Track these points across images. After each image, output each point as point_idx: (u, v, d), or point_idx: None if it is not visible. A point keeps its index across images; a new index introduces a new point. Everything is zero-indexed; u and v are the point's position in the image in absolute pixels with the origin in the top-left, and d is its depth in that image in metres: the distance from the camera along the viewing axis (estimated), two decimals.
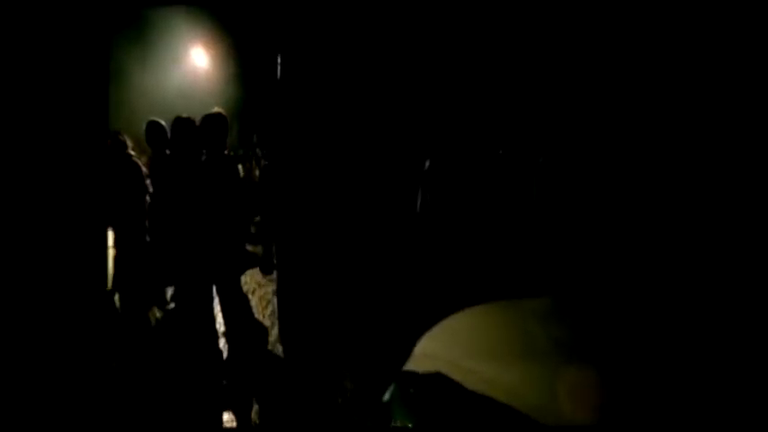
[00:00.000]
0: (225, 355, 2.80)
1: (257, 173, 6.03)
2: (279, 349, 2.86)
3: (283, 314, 2.43)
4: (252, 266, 4.05)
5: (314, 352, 2.25)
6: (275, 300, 3.94)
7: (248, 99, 6.59)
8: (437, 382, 0.29)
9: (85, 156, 2.04)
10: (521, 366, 0.26)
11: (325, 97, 1.98)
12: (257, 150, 6.28)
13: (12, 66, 1.94)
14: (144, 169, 3.63)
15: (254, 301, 3.59)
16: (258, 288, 4.24)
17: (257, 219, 5.20)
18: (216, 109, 2.70)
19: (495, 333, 0.31)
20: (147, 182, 3.56)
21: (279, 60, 1.92)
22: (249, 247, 3.66)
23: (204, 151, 2.73)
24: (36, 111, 1.99)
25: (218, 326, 2.89)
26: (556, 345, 0.27)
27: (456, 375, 0.28)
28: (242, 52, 7.45)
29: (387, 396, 0.34)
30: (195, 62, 7.71)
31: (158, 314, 3.52)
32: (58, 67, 2.00)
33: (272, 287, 4.25)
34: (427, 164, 2.38)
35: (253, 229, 4.84)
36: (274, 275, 4.38)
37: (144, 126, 3.40)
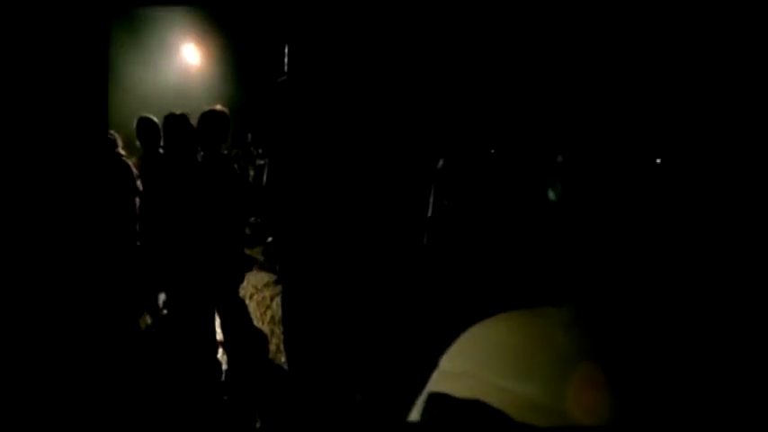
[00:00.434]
0: (224, 366, 2.65)
1: (252, 173, 5.88)
2: (280, 359, 2.72)
3: (288, 322, 2.30)
4: (248, 270, 3.91)
5: (321, 362, 2.12)
6: (274, 304, 3.80)
7: (243, 97, 6.43)
8: (476, 408, 0.27)
9: (85, 157, 1.92)
10: (556, 384, 0.26)
11: (335, 92, 1.85)
12: (252, 149, 6.12)
13: (10, 64, 1.82)
14: (134, 170, 3.49)
15: (251, 307, 3.45)
16: (256, 292, 4.09)
17: (252, 220, 5.08)
18: (218, 107, 2.56)
19: (524, 346, 0.30)
20: (138, 182, 3.42)
21: (287, 51, 1.79)
22: (246, 250, 3.53)
23: (200, 151, 2.59)
24: (34, 110, 1.87)
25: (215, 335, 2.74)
26: (583, 355, 0.27)
27: (492, 398, 0.27)
28: (237, 49, 7.28)
29: (414, 416, 0.32)
30: (187, 59, 7.52)
31: (150, 321, 3.35)
32: (56, 66, 1.88)
33: (269, 291, 4.10)
34: (441, 163, 2.27)
35: (248, 231, 4.71)
36: (273, 278, 4.25)
37: (134, 124, 3.25)
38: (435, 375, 0.31)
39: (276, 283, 4.17)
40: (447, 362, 0.32)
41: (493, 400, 0.26)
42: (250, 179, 5.69)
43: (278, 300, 3.88)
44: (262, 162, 5.86)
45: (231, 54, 7.44)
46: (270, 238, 3.51)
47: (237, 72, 7.30)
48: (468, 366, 0.29)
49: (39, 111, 1.91)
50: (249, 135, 6.29)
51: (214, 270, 2.60)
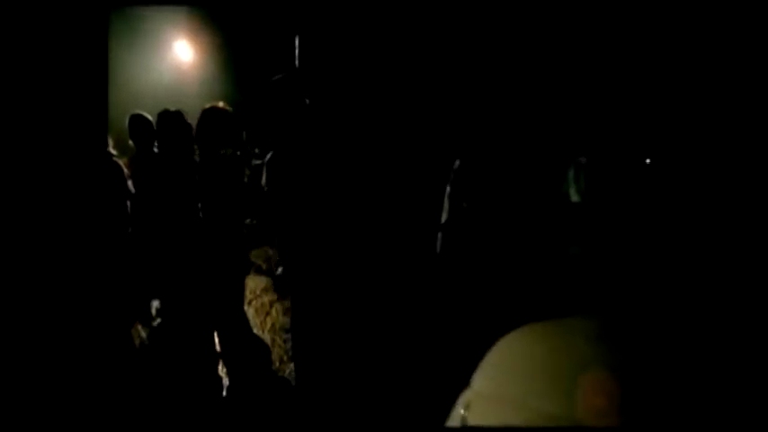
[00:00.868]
0: (225, 381, 2.49)
1: (247, 172, 5.71)
2: (285, 370, 2.57)
3: (299, 332, 2.15)
4: (246, 274, 3.75)
5: (334, 375, 1.98)
6: (273, 311, 3.64)
7: (238, 95, 6.26)
8: None
9: (81, 158, 1.78)
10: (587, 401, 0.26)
11: (349, 86, 1.71)
12: (247, 149, 5.95)
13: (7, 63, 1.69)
14: (125, 170, 3.32)
15: (250, 314, 3.28)
16: (254, 298, 3.92)
17: (248, 221, 4.92)
18: (221, 104, 2.41)
19: (554, 362, 0.29)
20: (129, 183, 3.26)
21: (297, 43, 1.65)
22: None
23: (198, 150, 2.44)
24: (29, 108, 1.74)
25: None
26: (611, 369, 0.27)
27: (528, 422, 0.26)
28: (231, 45, 7.10)
29: None
30: (180, 55, 7.32)
31: (143, 333, 3.17)
32: (55, 64, 1.76)
33: (268, 296, 3.94)
34: (457, 163, 2.14)
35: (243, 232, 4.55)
36: (272, 283, 4.09)
37: (126, 121, 3.07)
38: (469, 396, 0.31)
39: (275, 287, 4.01)
40: (479, 382, 0.31)
41: (530, 423, 0.26)
42: (245, 179, 5.53)
43: (278, 306, 3.73)
44: (258, 162, 5.70)
45: (225, 51, 7.25)
46: (280, 269, 3.37)
47: (231, 69, 7.12)
48: (500, 388, 0.29)
49: (34, 109, 1.78)
50: (243, 134, 6.11)
51: (212, 277, 2.45)
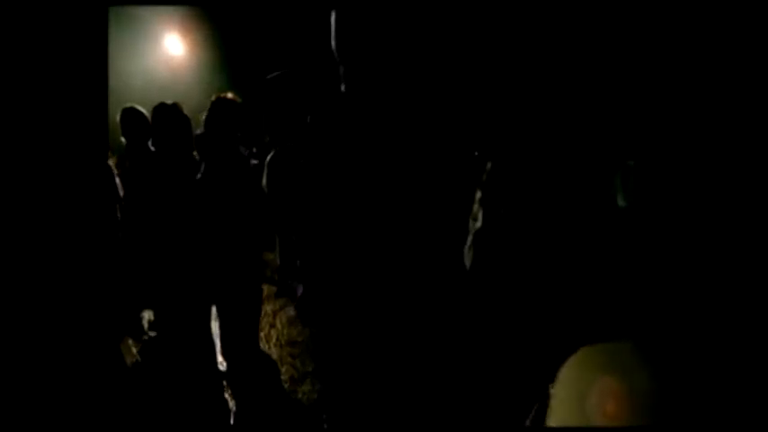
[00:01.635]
0: (231, 406, 2.23)
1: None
2: (299, 392, 2.33)
3: (322, 354, 1.92)
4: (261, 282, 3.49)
5: (363, 404, 1.76)
6: (278, 322, 3.39)
7: (231, 91, 6.02)
8: None
9: (85, 159, 1.58)
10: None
11: (385, 75, 1.49)
12: (242, 148, 5.69)
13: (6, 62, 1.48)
14: (115, 170, 3.07)
15: None
16: None
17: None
18: (230, 95, 2.17)
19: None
20: (117, 181, 3.01)
21: (333, 20, 1.42)
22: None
23: (205, 146, 2.20)
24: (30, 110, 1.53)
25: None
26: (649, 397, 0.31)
27: None
28: (224, 40, 6.82)
29: None
30: (170, 50, 7.01)
31: (134, 348, 2.89)
32: (54, 62, 1.55)
33: (270, 306, 3.69)
34: (489, 165, 1.93)
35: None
36: (273, 291, 3.84)
37: (118, 117, 2.81)
38: None
39: (277, 295, 3.77)
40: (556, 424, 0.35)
41: None
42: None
43: (282, 316, 3.48)
44: (255, 162, 5.45)
45: (217, 45, 6.98)
46: (300, 289, 3.07)
47: (224, 64, 6.86)
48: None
49: (28, 105, 1.57)
50: (238, 133, 5.86)
51: (219, 285, 2.20)
